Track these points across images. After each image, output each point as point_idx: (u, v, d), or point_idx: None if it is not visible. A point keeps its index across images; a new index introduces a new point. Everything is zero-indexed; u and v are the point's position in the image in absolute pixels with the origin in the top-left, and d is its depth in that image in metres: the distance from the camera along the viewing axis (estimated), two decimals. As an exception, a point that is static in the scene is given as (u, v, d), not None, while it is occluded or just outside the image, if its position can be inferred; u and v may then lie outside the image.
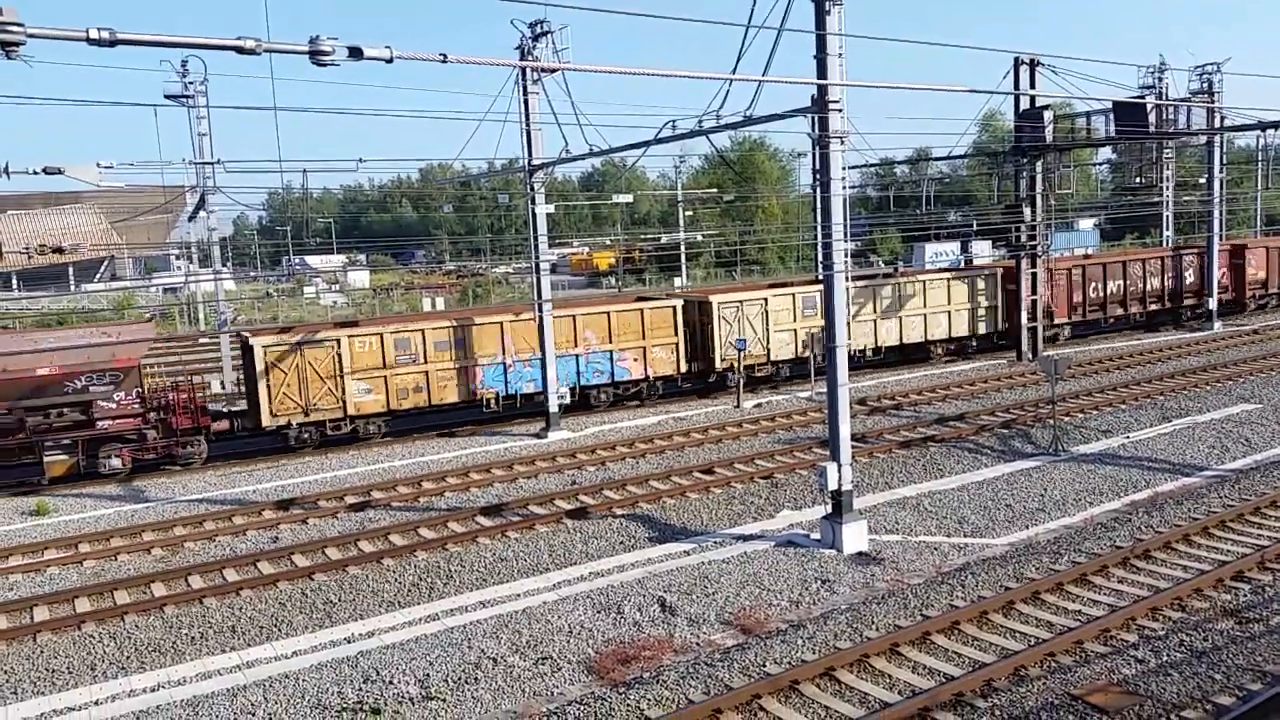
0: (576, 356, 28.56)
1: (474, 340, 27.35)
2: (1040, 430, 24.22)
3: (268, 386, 25.09)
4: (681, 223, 77.52)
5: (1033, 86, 32.27)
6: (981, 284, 35.54)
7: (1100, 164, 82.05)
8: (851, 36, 15.79)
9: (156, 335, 25.18)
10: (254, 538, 19.26)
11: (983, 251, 71.10)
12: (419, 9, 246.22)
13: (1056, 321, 37.90)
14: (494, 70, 24.03)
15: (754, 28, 15.62)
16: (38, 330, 28.22)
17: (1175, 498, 18.91)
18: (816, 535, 17.38)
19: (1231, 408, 25.97)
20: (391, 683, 12.56)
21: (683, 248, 75.06)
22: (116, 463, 23.74)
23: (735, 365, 29.93)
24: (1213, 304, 40.90)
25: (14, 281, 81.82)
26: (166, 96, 38.55)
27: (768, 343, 31.39)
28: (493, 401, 27.69)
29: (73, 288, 78.61)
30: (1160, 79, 39.48)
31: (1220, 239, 42.13)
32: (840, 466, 16.73)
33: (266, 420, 25.27)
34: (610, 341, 29.07)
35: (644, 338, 29.50)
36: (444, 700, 12.18)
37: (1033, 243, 34.50)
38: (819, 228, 17.15)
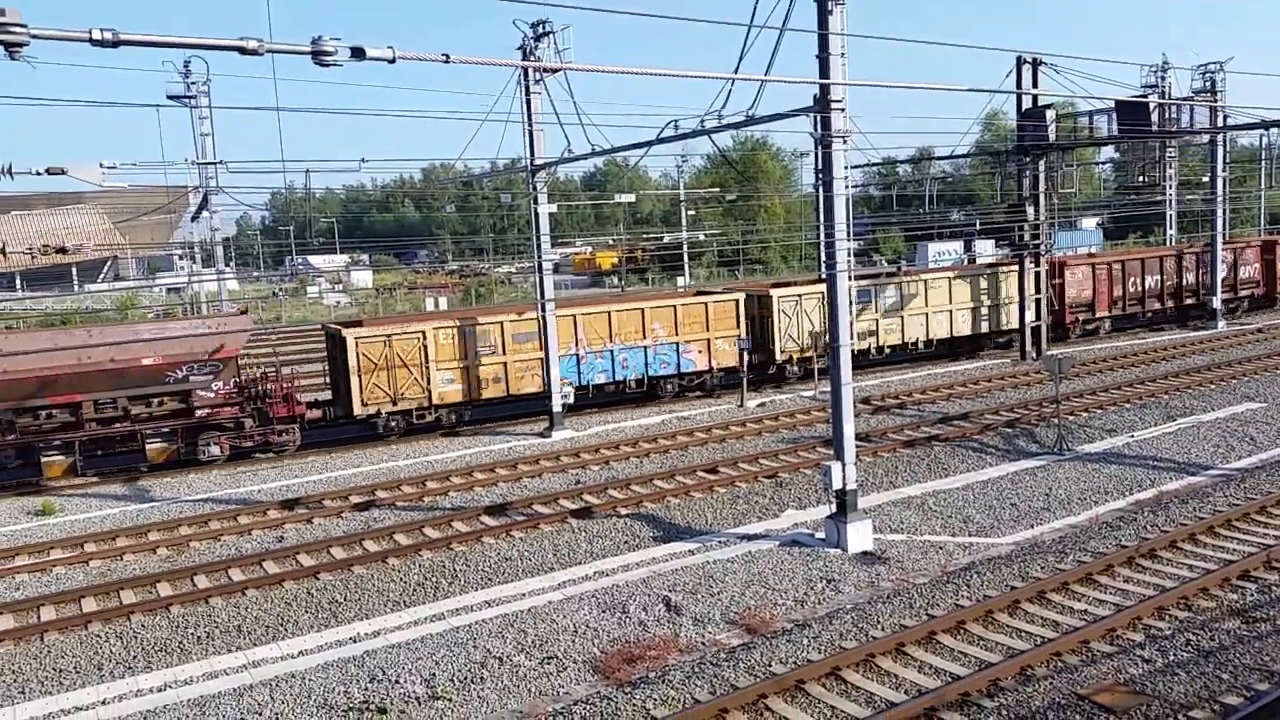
0: (645, 348, 29.33)
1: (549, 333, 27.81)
2: (1045, 429, 24.20)
3: (359, 377, 25.94)
4: (684, 222, 77.52)
5: (1035, 86, 32.24)
6: (1029, 280, 36.05)
7: (1103, 163, 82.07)
8: (854, 36, 15.79)
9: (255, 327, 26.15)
10: (259, 537, 19.28)
11: (986, 251, 71.05)
12: (419, 6, 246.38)
13: (1098, 315, 38.73)
14: (496, 70, 24.10)
15: (756, 27, 15.62)
16: (140, 322, 29.33)
17: (1180, 497, 18.89)
18: (821, 534, 17.37)
19: (1236, 406, 25.94)
20: (397, 682, 12.57)
21: (685, 247, 75.04)
22: (215, 450, 24.52)
23: (794, 358, 31.42)
24: (1216, 303, 40.85)
25: (17, 282, 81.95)
26: (169, 97, 38.64)
27: (822, 337, 31.84)
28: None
29: (76, 288, 78.72)
30: (1163, 78, 39.43)
31: (1223, 238, 42.08)
32: (845, 466, 16.72)
33: (358, 409, 26.12)
34: (676, 334, 29.78)
35: (708, 330, 30.19)
36: (450, 700, 12.19)
37: (1036, 242, 34.48)
38: (821, 227, 17.13)
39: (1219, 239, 41.03)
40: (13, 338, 24.05)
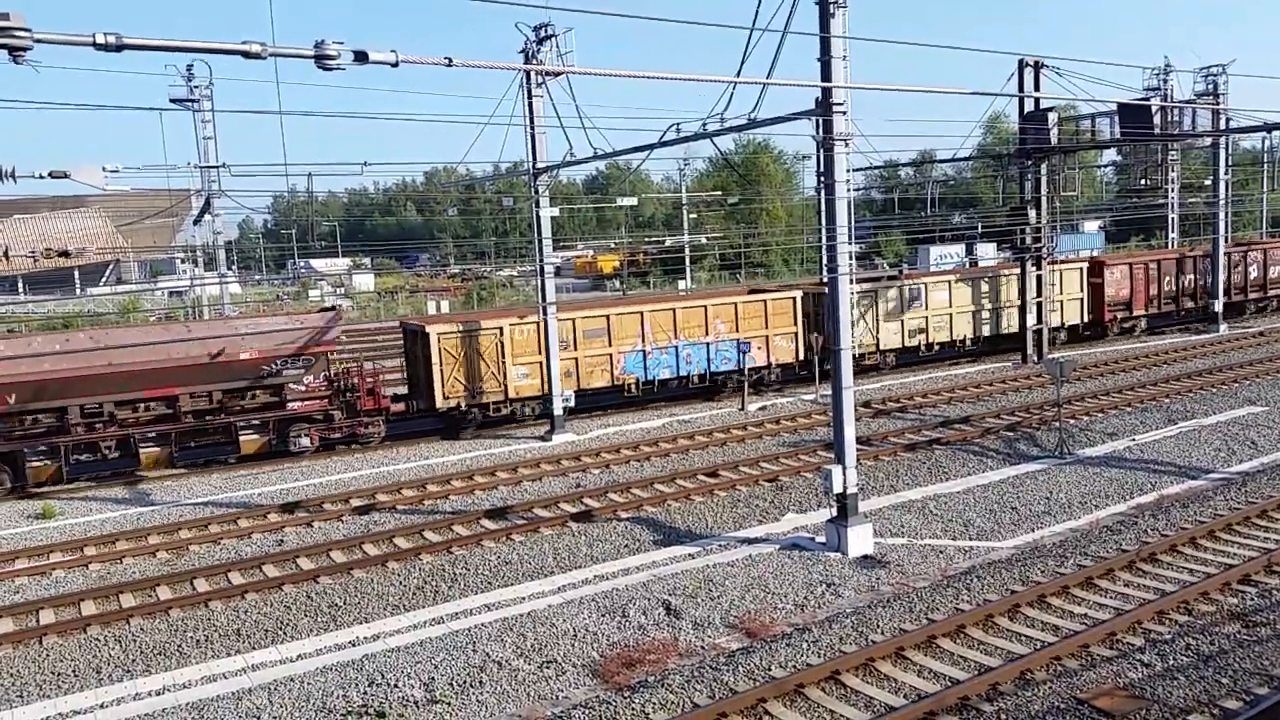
0: (707, 344, 30.01)
1: (617, 329, 28.88)
2: (1045, 433, 24.17)
3: (440, 371, 26.67)
4: (686, 225, 77.51)
5: (1037, 88, 32.23)
6: (1073, 278, 37.28)
7: (1105, 166, 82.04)
8: (856, 39, 15.79)
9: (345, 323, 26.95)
10: (259, 541, 19.28)
11: (988, 254, 71.06)
12: (422, 10, 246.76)
13: (1135, 314, 39.59)
14: (498, 73, 24.18)
15: (758, 30, 15.62)
16: (238, 318, 30.24)
17: (1181, 501, 18.86)
18: (821, 538, 17.35)
19: (1237, 410, 25.90)
20: (396, 686, 12.56)
21: (687, 250, 75.05)
22: (305, 441, 25.17)
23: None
24: (1218, 306, 40.82)
25: (20, 285, 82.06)
26: (172, 100, 38.66)
27: (877, 332, 33.40)
28: (633, 386, 29.20)
29: (78, 291, 78.82)
30: (1165, 81, 39.45)
31: (1226, 241, 42.08)
32: (845, 469, 16.70)
33: (439, 402, 26.84)
34: (737, 330, 30.48)
35: (766, 326, 30.93)
36: (449, 704, 12.18)
37: (1038, 245, 34.48)
38: (823, 230, 17.13)
39: (1221, 242, 41.01)
40: (115, 332, 24.98)
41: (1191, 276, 41.46)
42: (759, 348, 30.71)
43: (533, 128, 25.41)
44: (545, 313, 26.71)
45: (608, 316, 28.77)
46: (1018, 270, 35.54)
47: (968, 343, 35.36)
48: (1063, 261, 39.08)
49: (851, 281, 18.75)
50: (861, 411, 26.77)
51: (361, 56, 9.93)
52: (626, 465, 23.53)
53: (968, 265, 65.61)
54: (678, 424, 27.79)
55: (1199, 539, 16.28)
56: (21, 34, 8.64)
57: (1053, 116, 33.51)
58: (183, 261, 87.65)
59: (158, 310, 62.18)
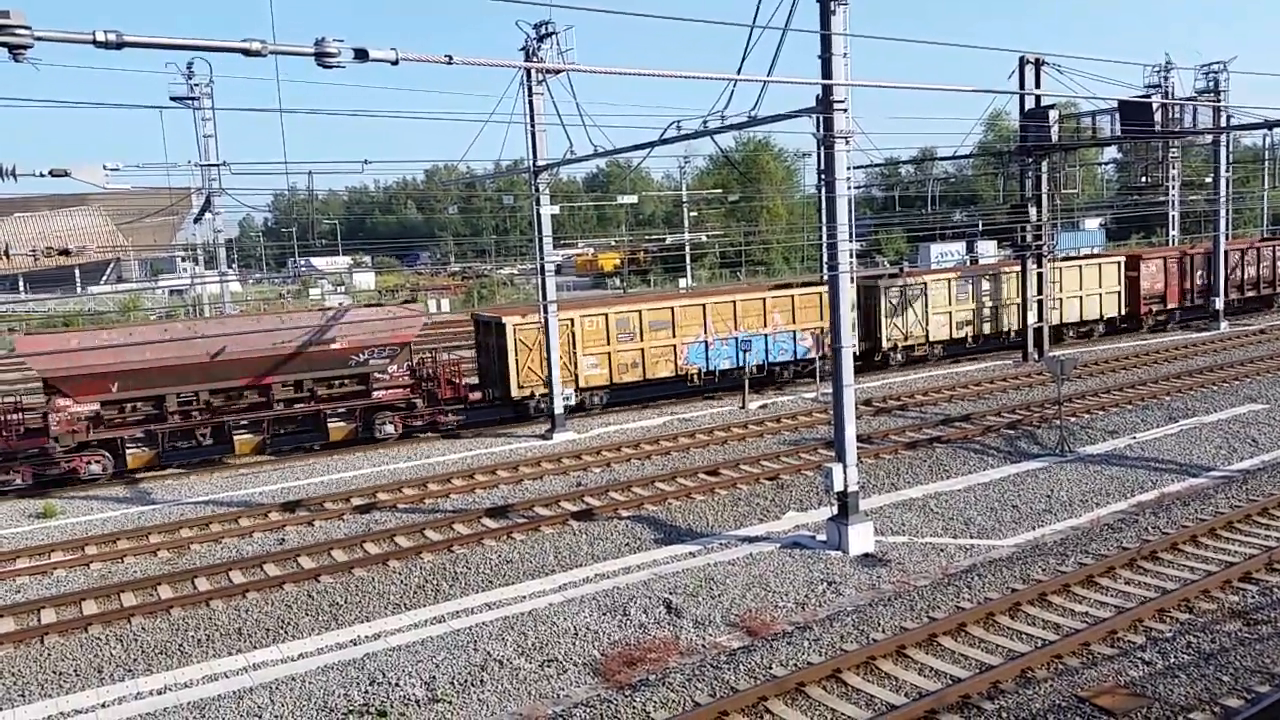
0: (765, 336, 30.75)
1: (680, 320, 29.64)
2: (1046, 431, 24.16)
3: (515, 362, 27.60)
4: (686, 223, 77.49)
5: (1038, 86, 32.18)
6: (1111, 272, 38.45)
7: (1106, 163, 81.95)
8: (856, 36, 15.78)
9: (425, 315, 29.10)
10: (260, 540, 19.28)
11: (988, 251, 71.02)
12: (421, 9, 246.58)
13: (1168, 307, 40.66)
14: (498, 71, 24.28)
15: (759, 28, 15.60)
16: (327, 309, 31.16)
17: (1182, 499, 18.85)
18: (822, 537, 17.35)
19: (1238, 408, 25.89)
20: (397, 685, 12.56)
21: (687, 248, 75.02)
22: (390, 429, 26.13)
23: (897, 345, 33.57)
24: (1219, 304, 40.80)
25: (20, 284, 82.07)
26: (172, 98, 38.64)
27: (926, 324, 34.26)
28: (695, 377, 30.01)
29: (79, 290, 78.84)
30: (1166, 78, 39.39)
31: (1226, 238, 42.09)
32: (846, 468, 16.70)
33: (515, 392, 27.77)
34: (794, 322, 31.35)
35: (821, 318, 31.22)
36: (450, 703, 12.18)
37: (1038, 242, 34.46)
38: (824, 228, 17.12)
39: (1222, 239, 41.01)
40: (214, 323, 26.11)
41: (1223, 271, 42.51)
42: (813, 338, 31.44)
43: (533, 125, 25.39)
44: (546, 311, 26.68)
45: (672, 308, 29.63)
46: (1070, 263, 37.56)
47: (1012, 334, 36.06)
48: (1100, 256, 40.72)
49: (852, 280, 18.74)
50: (862, 410, 26.76)
51: (362, 54, 9.92)
52: (627, 464, 23.53)
53: (968, 263, 65.57)
54: (678, 422, 27.79)
55: (1200, 537, 16.28)
56: (22, 32, 8.63)
57: (1053, 114, 33.48)
58: (183, 260, 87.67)
59: (158, 309, 62.17)
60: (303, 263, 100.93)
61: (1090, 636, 12.58)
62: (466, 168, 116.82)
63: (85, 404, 23.41)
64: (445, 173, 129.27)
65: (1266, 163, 60.64)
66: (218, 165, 37.63)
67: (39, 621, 15.47)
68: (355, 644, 14.12)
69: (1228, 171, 42.92)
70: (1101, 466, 21.30)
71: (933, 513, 18.81)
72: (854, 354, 31.10)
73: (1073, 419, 25.21)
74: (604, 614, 14.53)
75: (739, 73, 15.43)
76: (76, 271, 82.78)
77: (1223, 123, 36.55)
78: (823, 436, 24.41)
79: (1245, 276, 43.59)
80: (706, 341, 29.94)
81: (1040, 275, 34.82)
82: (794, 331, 31.17)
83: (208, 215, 41.07)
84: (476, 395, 28.34)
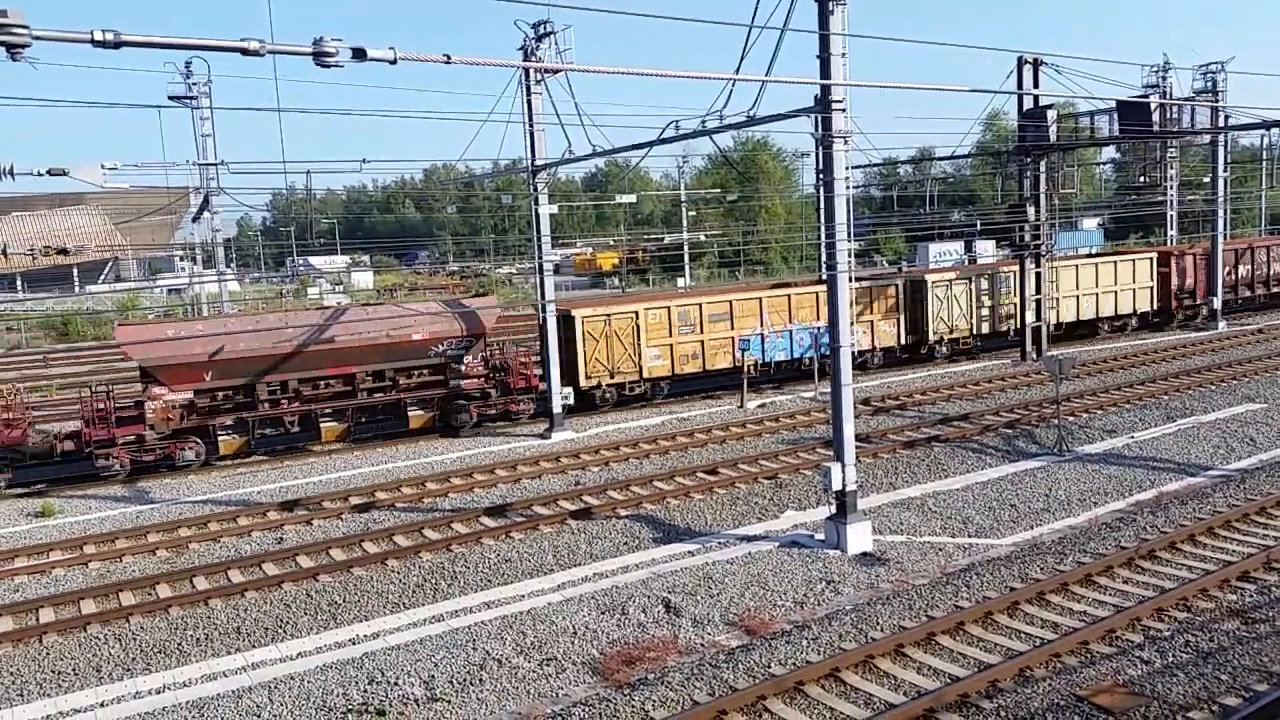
0: (816, 329, 31.00)
1: (738, 312, 30.48)
2: (1044, 430, 24.18)
3: (584, 352, 28.46)
4: (685, 223, 77.48)
5: (1036, 86, 32.20)
6: (1143, 267, 39.56)
7: (1104, 163, 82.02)
8: (855, 36, 15.78)
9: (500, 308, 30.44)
10: (259, 539, 19.28)
11: (986, 251, 71.01)
12: (420, 9, 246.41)
13: (1198, 302, 41.68)
14: (497, 71, 24.37)
15: (757, 28, 15.61)
16: (407, 302, 32.28)
17: (1180, 498, 18.88)
18: (821, 536, 17.36)
19: (1236, 407, 25.92)
20: (396, 684, 12.56)
21: (686, 248, 75.02)
22: (466, 417, 27.15)
23: (943, 338, 34.65)
24: (1217, 304, 40.85)
25: (19, 283, 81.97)
26: (170, 98, 38.57)
27: (970, 318, 35.20)
28: (752, 368, 30.57)
29: (77, 289, 78.77)
30: (1164, 78, 39.44)
31: (1224, 238, 42.19)
32: (844, 467, 16.71)
33: (583, 382, 28.53)
34: None
35: (871, 312, 32.93)
36: (449, 701, 12.18)
37: (1036, 242, 34.49)
38: (822, 228, 17.13)
39: (1220, 240, 41.06)
40: (301, 314, 27.10)
41: (1248, 267, 44.28)
42: (864, 332, 32.58)
43: (531, 125, 25.38)
44: (544, 310, 26.69)
45: (730, 302, 30.52)
46: (1105, 259, 39.13)
47: (1053, 329, 36.90)
48: (1132, 252, 42.00)
49: (851, 279, 18.74)
50: (861, 409, 26.78)
51: (360, 54, 9.91)
52: (626, 463, 23.53)
53: (966, 263, 65.59)
54: (677, 422, 27.79)
55: (1198, 536, 16.30)
56: (20, 31, 8.62)
57: (1052, 114, 33.49)
58: (181, 259, 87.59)
59: (157, 308, 62.10)
60: (301, 262, 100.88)
61: (1089, 635, 12.59)
62: (465, 167, 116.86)
63: (180, 392, 24.19)
64: (444, 172, 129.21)
65: (1264, 163, 60.70)
66: (216, 164, 37.58)
67: (37, 621, 15.46)
68: (354, 643, 14.12)
69: (1226, 171, 42.98)
70: (1100, 466, 21.32)
71: (931, 512, 18.83)
72: (902, 345, 33.35)
73: (1071, 418, 25.23)
74: (603, 613, 14.53)
75: (737, 72, 15.44)
76: (74, 271, 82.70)
77: (1220, 123, 36.55)
78: (821, 436, 24.42)
79: (1271, 273, 45.26)
80: (763, 334, 30.78)
81: (1039, 275, 34.86)
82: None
83: (206, 214, 41.00)
84: (545, 385, 28.98)
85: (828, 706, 11.44)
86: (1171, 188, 48.45)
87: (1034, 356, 34.37)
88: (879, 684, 11.92)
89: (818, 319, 31.22)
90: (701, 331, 29.90)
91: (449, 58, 10.53)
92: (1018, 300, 35.22)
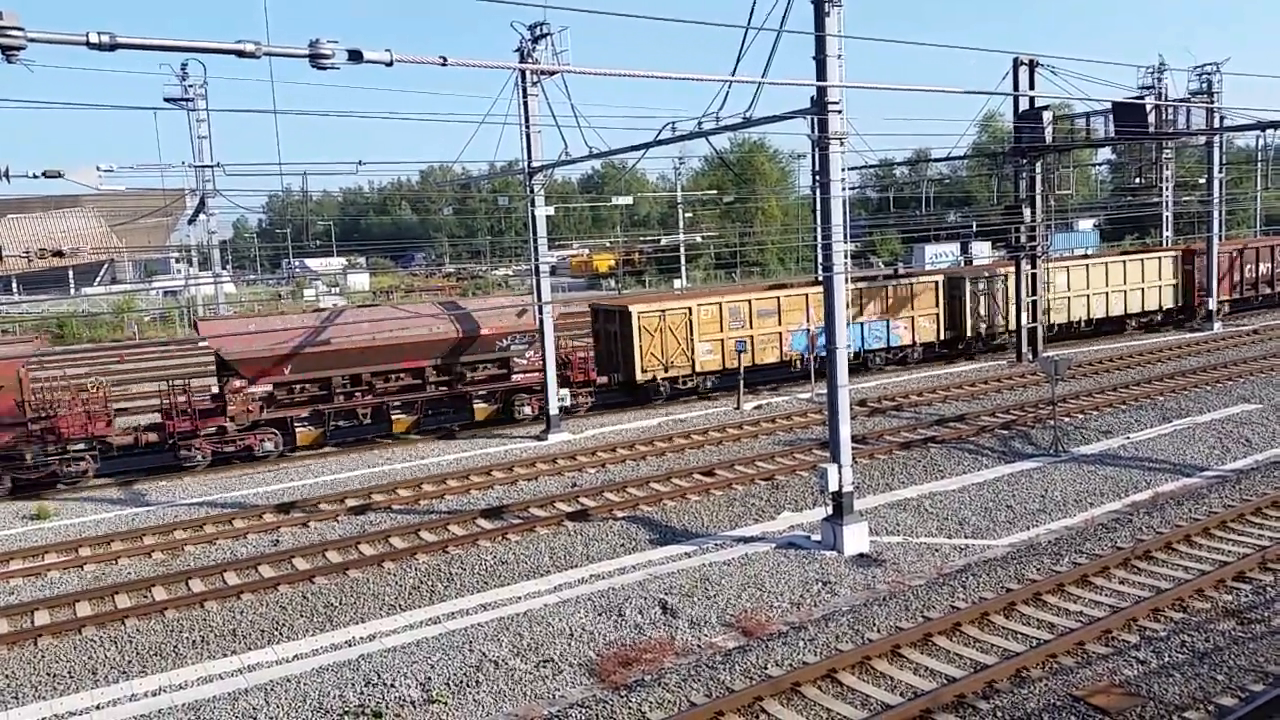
0: (862, 324, 32.73)
1: (785, 308, 31.26)
2: (1041, 431, 24.21)
3: (640, 347, 29.21)
4: (681, 224, 77.49)
5: (1032, 87, 32.24)
6: (1168, 265, 40.58)
7: (1100, 164, 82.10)
8: (851, 38, 15.79)
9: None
10: (254, 541, 19.24)
11: (982, 252, 71.07)
12: (417, 11, 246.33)
13: (1220, 298, 42.33)
14: (493, 73, 24.44)
15: (754, 29, 15.63)
16: (472, 298, 33.05)
17: (1176, 498, 18.91)
18: (817, 537, 17.37)
19: (1232, 408, 25.96)
20: (392, 686, 12.55)
21: (682, 249, 75.02)
22: (527, 410, 28.21)
23: (980, 334, 35.52)
24: (1212, 304, 40.92)
25: (14, 285, 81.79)
26: (166, 99, 38.55)
27: (1007, 314, 35.94)
28: (798, 362, 31.59)
29: (73, 291, 78.61)
30: (1159, 79, 39.50)
31: (1220, 239, 42.32)
32: (841, 468, 16.72)
33: (639, 376, 29.38)
34: (887, 312, 33.52)
35: (912, 308, 33.96)
36: (445, 703, 12.17)
37: (1032, 243, 34.53)
38: (819, 229, 17.14)
39: (1215, 240, 41.13)
40: (375, 310, 28.11)
41: (1269, 265, 45.23)
42: (905, 327, 33.77)
43: (528, 127, 25.37)
44: (541, 312, 26.68)
45: (778, 298, 31.17)
46: (1133, 258, 40.17)
47: (1083, 324, 38.56)
48: (1158, 251, 42.91)
49: (847, 280, 18.75)
50: (857, 410, 26.79)
51: (356, 56, 9.90)
52: (622, 465, 23.52)
53: (962, 264, 65.67)
54: (673, 423, 27.79)
55: (1194, 536, 16.32)
56: (15, 33, 8.61)
57: (1047, 115, 33.54)
58: (177, 261, 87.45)
59: (152, 310, 62.01)
60: (297, 264, 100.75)
61: (1085, 636, 12.61)
62: (461, 168, 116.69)
63: (260, 385, 24.96)
64: (440, 174, 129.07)
65: (1259, 163, 60.81)
66: (212, 166, 37.54)
67: (33, 623, 15.43)
68: (350, 645, 14.10)
69: (1221, 173, 43.09)
70: (1096, 466, 21.35)
71: (927, 513, 18.84)
72: (942, 340, 34.20)
73: (1067, 419, 25.26)
74: (599, 614, 14.53)
75: (734, 74, 15.46)
76: (70, 273, 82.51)
77: (1216, 124, 36.62)
78: (817, 437, 24.43)
79: None
80: (809, 330, 31.38)
81: (1034, 277, 34.91)
82: (887, 320, 33.43)
83: (201, 216, 41.00)
84: (603, 380, 30.00)
85: (824, 707, 11.44)
86: (1167, 189, 48.57)
87: (1029, 358, 34.42)
88: (876, 685, 11.93)
89: (860, 315, 32.61)
90: (750, 327, 30.64)
91: (445, 60, 10.53)
92: (1050, 298, 36.25)
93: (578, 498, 20.71)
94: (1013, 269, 35.67)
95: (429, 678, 12.74)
